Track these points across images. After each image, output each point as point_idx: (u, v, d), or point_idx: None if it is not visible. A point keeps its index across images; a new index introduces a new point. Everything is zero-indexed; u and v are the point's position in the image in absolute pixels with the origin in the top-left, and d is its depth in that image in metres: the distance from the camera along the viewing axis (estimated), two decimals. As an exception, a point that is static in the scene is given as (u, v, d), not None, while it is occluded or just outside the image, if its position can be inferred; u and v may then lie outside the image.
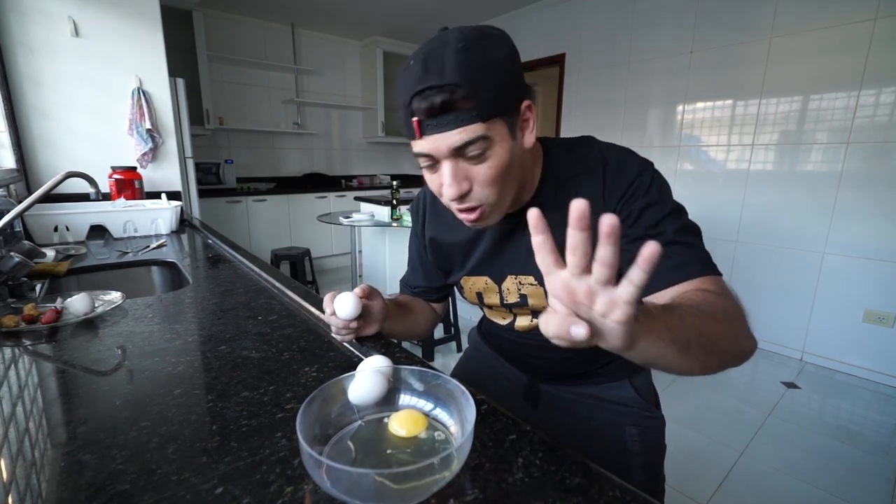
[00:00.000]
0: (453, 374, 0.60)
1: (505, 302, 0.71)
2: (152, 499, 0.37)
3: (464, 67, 0.48)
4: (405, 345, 2.56)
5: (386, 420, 0.47)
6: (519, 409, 0.79)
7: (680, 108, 2.90)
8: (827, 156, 2.34)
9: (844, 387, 2.26)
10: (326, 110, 4.75)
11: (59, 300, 0.83)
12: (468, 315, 3.00)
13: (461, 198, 0.55)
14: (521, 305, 0.70)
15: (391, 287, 2.97)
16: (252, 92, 4.24)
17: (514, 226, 0.66)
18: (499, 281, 0.70)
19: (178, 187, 2.45)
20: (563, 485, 0.40)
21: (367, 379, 0.48)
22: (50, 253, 1.26)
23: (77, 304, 0.80)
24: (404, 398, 0.50)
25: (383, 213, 2.91)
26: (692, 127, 2.87)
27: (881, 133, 2.16)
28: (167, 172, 2.40)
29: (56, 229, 1.51)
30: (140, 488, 0.39)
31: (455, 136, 0.50)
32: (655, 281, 0.53)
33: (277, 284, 1.00)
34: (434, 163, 0.54)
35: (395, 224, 2.68)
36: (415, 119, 0.51)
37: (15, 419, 0.51)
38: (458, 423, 0.45)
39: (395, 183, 2.78)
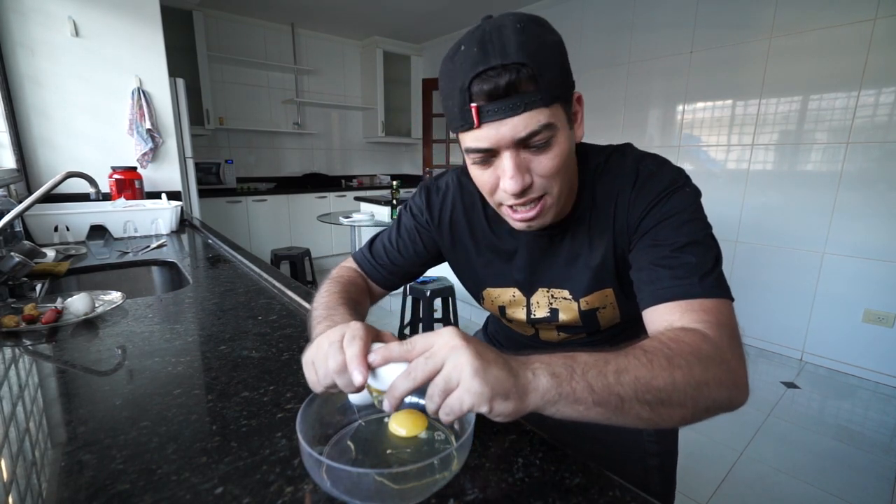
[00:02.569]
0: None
1: (532, 317, 0.67)
2: (152, 499, 0.37)
3: (528, 46, 0.44)
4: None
5: (386, 420, 0.47)
6: (531, 413, 0.77)
7: (680, 108, 2.90)
8: (827, 156, 2.34)
9: (844, 387, 2.26)
10: (326, 110, 4.75)
11: (59, 300, 0.83)
12: (468, 315, 3.00)
13: (524, 191, 0.50)
14: (549, 321, 0.66)
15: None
16: (252, 92, 4.24)
17: (552, 237, 0.62)
18: (528, 294, 0.66)
19: (178, 187, 2.45)
20: (563, 485, 0.40)
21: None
22: (50, 253, 1.26)
23: (77, 304, 0.80)
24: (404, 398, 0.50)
25: (383, 213, 2.91)
26: (692, 127, 2.87)
27: (881, 133, 2.16)
28: (167, 172, 2.40)
29: (56, 229, 1.51)
30: (140, 488, 0.39)
31: (520, 124, 0.46)
32: (647, 296, 0.51)
33: (277, 284, 1.00)
34: (490, 156, 0.50)
35: (395, 224, 2.67)
36: (473, 105, 0.46)
37: (15, 419, 0.51)
38: (458, 422, 0.45)
39: (395, 183, 2.79)
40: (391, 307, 3.15)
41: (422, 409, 0.48)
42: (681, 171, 0.57)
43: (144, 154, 2.24)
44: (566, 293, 0.63)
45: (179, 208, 1.77)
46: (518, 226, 0.56)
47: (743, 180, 2.67)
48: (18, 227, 1.37)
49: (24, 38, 1.93)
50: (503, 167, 0.49)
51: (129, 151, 2.24)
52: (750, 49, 2.53)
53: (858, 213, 2.26)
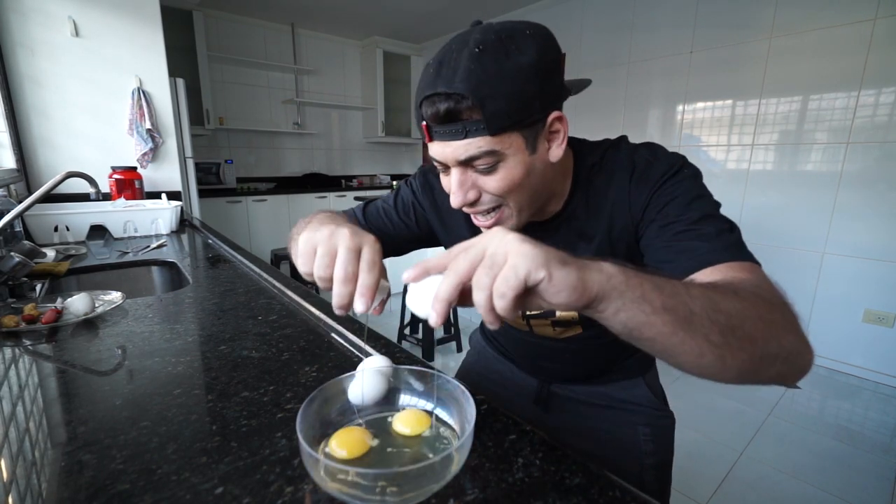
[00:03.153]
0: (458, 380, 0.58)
1: (527, 312, 0.67)
2: (152, 499, 0.37)
3: (473, 77, 0.44)
4: (405, 345, 2.56)
5: (390, 419, 0.47)
6: (530, 414, 0.76)
7: (680, 108, 2.90)
8: (827, 156, 2.35)
9: (844, 387, 2.26)
10: (326, 110, 4.75)
11: (59, 300, 0.83)
12: (468, 314, 3.00)
13: (470, 204, 0.52)
14: (543, 317, 0.67)
15: (392, 287, 2.96)
16: (252, 92, 4.24)
17: (543, 235, 0.61)
18: None
19: (178, 187, 2.45)
20: (563, 485, 0.40)
21: (367, 379, 0.48)
22: (50, 253, 1.26)
23: (77, 304, 0.80)
24: (404, 398, 0.50)
25: (383, 213, 2.91)
26: (692, 127, 2.87)
27: (881, 133, 2.16)
28: (167, 172, 2.40)
29: (56, 229, 1.51)
30: (140, 488, 0.39)
31: (461, 148, 0.47)
32: (678, 269, 0.47)
33: (277, 284, 1.00)
34: (446, 167, 0.52)
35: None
36: (423, 123, 0.49)
37: (15, 419, 0.51)
38: (459, 422, 0.45)
39: (395, 183, 2.79)
40: (391, 307, 3.15)
41: (422, 410, 0.48)
42: (677, 154, 0.56)
43: (144, 154, 2.24)
44: None
45: (179, 208, 1.77)
46: (483, 230, 0.56)
47: (743, 180, 2.67)
48: (18, 227, 1.37)
49: (24, 38, 1.93)
50: (451, 180, 0.52)
51: (129, 151, 2.24)
52: (750, 49, 2.53)
53: (858, 213, 2.26)
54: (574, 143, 0.61)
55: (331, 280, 0.40)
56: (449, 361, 2.48)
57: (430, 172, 0.72)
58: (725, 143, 2.72)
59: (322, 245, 0.40)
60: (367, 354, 0.63)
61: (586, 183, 0.59)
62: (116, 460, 0.42)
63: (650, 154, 0.56)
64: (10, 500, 0.38)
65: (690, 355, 0.34)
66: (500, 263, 0.31)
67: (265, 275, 1.07)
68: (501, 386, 0.83)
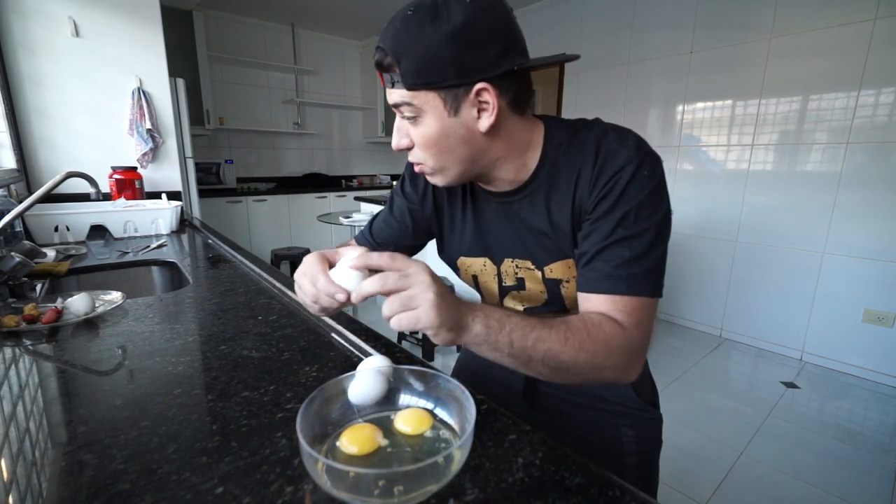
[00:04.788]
0: (453, 376, 0.59)
1: (503, 284, 0.70)
2: (152, 499, 0.37)
3: (395, 36, 0.50)
4: (405, 345, 2.56)
5: (392, 417, 0.47)
6: (516, 410, 0.78)
7: (680, 108, 2.90)
8: (827, 156, 2.35)
9: (844, 387, 2.26)
10: (326, 110, 4.75)
11: (59, 300, 0.83)
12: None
13: (406, 151, 0.59)
14: (518, 289, 0.70)
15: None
16: (252, 92, 4.24)
17: (509, 206, 0.64)
18: (498, 263, 0.69)
19: (178, 187, 2.45)
20: (563, 485, 0.40)
21: (367, 379, 0.48)
22: (50, 253, 1.26)
23: (77, 304, 0.80)
24: (404, 398, 0.50)
25: (383, 213, 2.91)
26: (692, 127, 2.87)
27: (881, 133, 2.16)
28: (167, 172, 2.40)
29: (56, 229, 1.51)
30: (140, 488, 0.39)
31: (392, 94, 0.54)
32: (583, 282, 0.57)
33: (277, 284, 1.00)
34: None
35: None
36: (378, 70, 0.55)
37: (15, 419, 0.51)
38: (459, 422, 0.45)
39: (395, 183, 2.79)
40: (391, 307, 3.15)
41: (424, 409, 0.48)
42: (640, 147, 0.56)
43: (144, 154, 2.24)
44: (529, 263, 0.66)
45: (179, 208, 1.77)
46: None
47: (743, 180, 2.67)
48: (18, 227, 1.37)
49: (25, 38, 1.93)
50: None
51: (130, 151, 2.24)
52: (750, 49, 2.53)
53: (858, 213, 2.26)
54: (546, 119, 0.63)
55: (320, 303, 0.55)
56: (449, 361, 2.48)
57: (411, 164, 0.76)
58: (725, 143, 2.73)
59: (301, 294, 0.57)
60: (367, 354, 0.63)
61: (553, 158, 0.60)
62: (117, 460, 0.42)
63: (617, 142, 0.56)
64: (10, 500, 0.38)
65: (525, 373, 0.52)
66: (410, 306, 0.45)
67: (265, 275, 1.07)
68: (492, 382, 0.84)
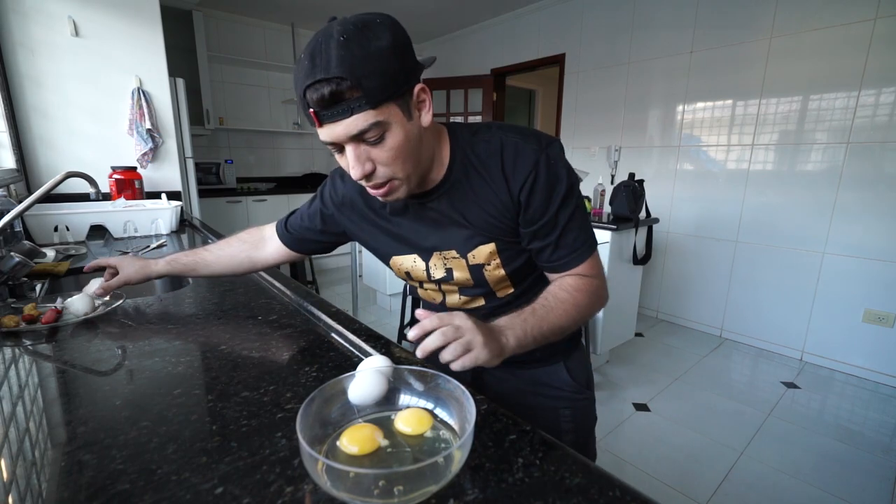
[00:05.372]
0: (410, 362, 0.65)
1: (433, 278, 0.75)
2: (152, 499, 0.37)
3: (346, 61, 0.50)
4: (405, 345, 2.56)
5: (392, 416, 0.47)
6: (475, 380, 0.86)
7: (680, 108, 2.90)
8: (827, 156, 2.35)
9: (844, 387, 2.26)
10: (326, 110, 4.75)
11: (59, 300, 0.83)
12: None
13: (367, 177, 0.59)
14: (448, 280, 0.73)
15: (391, 286, 2.97)
16: (252, 92, 4.24)
17: (428, 203, 0.68)
18: (426, 258, 0.73)
19: (178, 187, 2.45)
20: (563, 485, 0.40)
21: (367, 379, 0.48)
22: (50, 253, 1.26)
23: (77, 304, 0.80)
24: (404, 398, 0.50)
25: (383, 213, 2.91)
26: (692, 127, 2.87)
27: (881, 133, 2.16)
28: (167, 172, 2.40)
29: (56, 229, 1.51)
30: (140, 488, 0.39)
31: (350, 125, 0.53)
32: (546, 265, 0.69)
33: (277, 284, 1.00)
34: (340, 148, 0.58)
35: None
36: (311, 110, 0.53)
37: (15, 419, 0.51)
38: (459, 423, 0.45)
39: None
40: (391, 307, 3.14)
41: (424, 409, 0.48)
42: (540, 138, 0.64)
43: (144, 154, 2.24)
44: (454, 252, 0.70)
45: (179, 208, 1.77)
46: (380, 199, 0.64)
47: (743, 180, 2.67)
48: (18, 227, 1.37)
49: (24, 38, 1.93)
50: (347, 158, 0.57)
51: (129, 151, 2.24)
52: (750, 49, 2.53)
53: (858, 213, 2.26)
54: (447, 124, 0.69)
55: None
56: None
57: (336, 174, 0.79)
58: (725, 143, 2.72)
59: None
60: (367, 354, 0.63)
61: (462, 153, 0.65)
62: (116, 460, 0.42)
63: (518, 137, 0.64)
64: (10, 500, 0.38)
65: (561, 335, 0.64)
66: (468, 349, 0.52)
67: (265, 275, 1.07)
68: (440, 367, 0.87)
